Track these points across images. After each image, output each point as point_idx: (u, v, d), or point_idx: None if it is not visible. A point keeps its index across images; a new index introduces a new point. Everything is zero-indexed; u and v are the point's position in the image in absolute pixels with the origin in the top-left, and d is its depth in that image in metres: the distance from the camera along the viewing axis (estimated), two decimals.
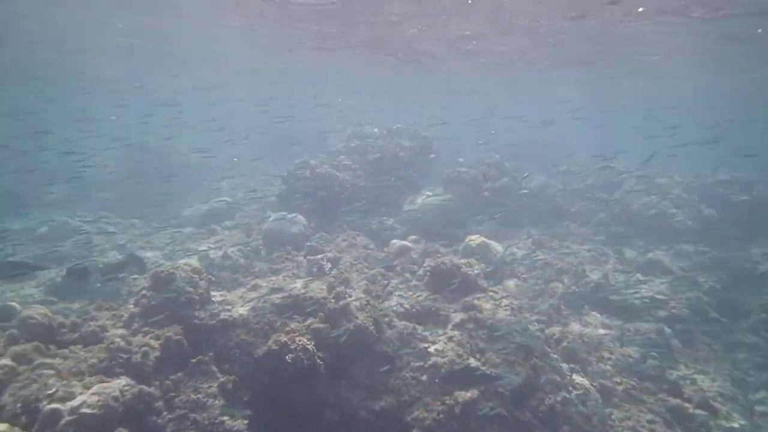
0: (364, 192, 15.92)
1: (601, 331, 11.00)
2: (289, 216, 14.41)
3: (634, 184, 17.21)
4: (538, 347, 9.69)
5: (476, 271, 11.28)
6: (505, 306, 10.68)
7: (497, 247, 12.72)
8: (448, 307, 10.36)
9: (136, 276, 12.51)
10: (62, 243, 14.90)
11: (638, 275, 12.96)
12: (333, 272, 11.21)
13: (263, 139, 30.28)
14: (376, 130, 18.56)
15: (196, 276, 9.46)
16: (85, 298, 12.10)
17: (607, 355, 10.35)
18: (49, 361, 6.52)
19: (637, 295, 11.91)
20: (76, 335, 7.84)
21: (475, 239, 12.22)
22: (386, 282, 11.33)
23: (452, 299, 10.61)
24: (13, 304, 7.79)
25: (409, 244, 12.72)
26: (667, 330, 10.68)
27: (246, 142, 19.59)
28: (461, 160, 18.09)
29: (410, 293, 10.94)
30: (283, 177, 16.43)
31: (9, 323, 7.30)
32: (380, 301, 10.41)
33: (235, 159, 24.93)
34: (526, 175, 16.86)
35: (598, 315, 11.67)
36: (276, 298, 9.73)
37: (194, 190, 23.65)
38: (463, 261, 11.52)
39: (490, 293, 10.95)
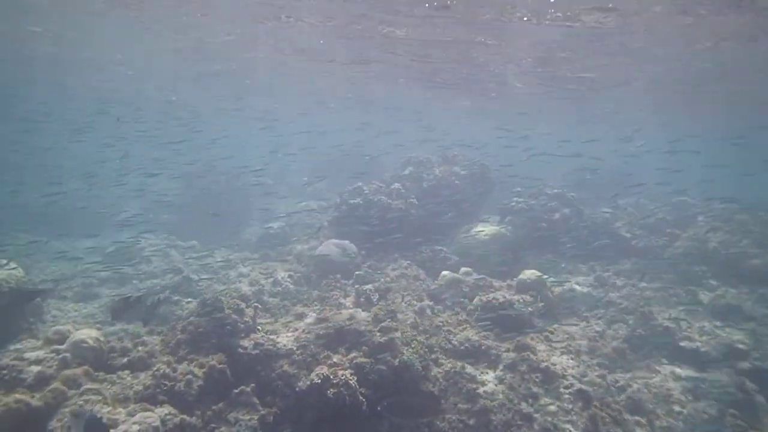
0: (417, 220, 15.69)
1: (671, 381, 10.02)
2: (340, 243, 14.41)
3: (710, 219, 15.90)
4: (597, 395, 8.96)
5: (531, 309, 10.70)
6: (562, 348, 10.01)
7: (555, 282, 12.04)
8: (500, 346, 9.84)
9: (189, 300, 12.87)
10: (126, 263, 15.66)
11: (714, 320, 11.81)
12: (380, 303, 10.97)
13: (331, 164, 30.94)
14: (432, 157, 18.37)
15: (242, 303, 9.54)
16: (141, 319, 12.56)
17: (677, 408, 9.39)
18: (96, 386, 6.68)
19: (713, 342, 10.80)
20: (125, 360, 8.05)
21: (530, 274, 11.63)
22: (435, 316, 10.96)
23: (504, 338, 10.07)
24: (68, 327, 8.12)
25: (461, 277, 12.29)
26: (750, 384, 9.55)
27: (307, 166, 20.11)
28: (519, 189, 17.50)
29: (460, 329, 10.50)
30: (336, 203, 16.54)
31: (62, 346, 7.59)
32: (428, 336, 10.05)
33: (305, 179, 25.34)
34: (614, 195, 16.36)
35: (668, 362, 10.68)
36: (321, 328, 9.61)
37: (256, 213, 24.33)
38: (516, 297, 10.98)
39: (546, 333, 10.31)
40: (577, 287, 13.40)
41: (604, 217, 16.73)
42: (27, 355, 7.33)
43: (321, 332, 9.50)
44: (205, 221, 23.09)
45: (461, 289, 11.83)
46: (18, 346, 7.78)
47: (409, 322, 10.33)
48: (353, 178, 16.56)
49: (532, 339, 9.94)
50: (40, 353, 7.45)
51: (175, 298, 12.65)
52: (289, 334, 9.76)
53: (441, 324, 10.51)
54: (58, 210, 22.37)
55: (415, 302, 11.40)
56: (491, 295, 11.04)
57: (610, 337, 11.47)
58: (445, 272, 12.59)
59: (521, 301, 10.78)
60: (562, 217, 16.10)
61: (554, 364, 9.20)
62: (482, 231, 15.26)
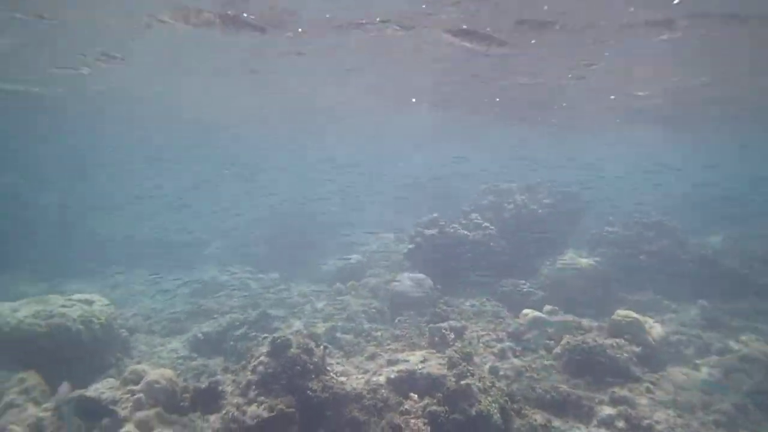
0: (498, 253, 14.95)
1: None
2: (415, 277, 14.01)
3: None
4: None
5: (627, 355, 9.57)
6: (668, 401, 8.77)
7: (656, 324, 10.72)
8: (593, 398, 8.83)
9: (266, 335, 13.00)
10: (211, 297, 16.33)
11: None
12: (456, 344, 10.36)
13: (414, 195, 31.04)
14: (513, 185, 17.58)
15: (312, 343, 9.38)
16: (222, 354, 12.88)
17: None
18: (167, 430, 6.72)
19: None
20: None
21: (626, 314, 10.45)
22: (517, 359, 10.14)
23: (597, 388, 9.05)
24: (144, 366, 8.38)
25: (545, 315, 11.36)
26: None
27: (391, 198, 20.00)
28: (611, 218, 16.16)
29: (545, 375, 9.60)
30: (411, 235, 16.22)
31: (137, 387, 7.80)
32: (509, 382, 9.28)
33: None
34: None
35: None
36: (393, 371, 9.20)
37: (335, 247, 24.63)
38: (610, 341, 9.88)
39: (647, 383, 9.13)
40: (684, 328, 11.88)
41: (713, 247, 14.92)
42: (105, 395, 7.61)
43: (393, 375, 9.09)
44: (287, 253, 23.83)
45: (546, 330, 10.89)
46: (98, 385, 8.11)
47: (487, 367, 9.63)
48: (430, 208, 16.20)
49: (630, 390, 8.84)
50: (117, 394, 7.71)
51: (252, 333, 12.84)
52: (360, 376, 9.44)
53: (523, 369, 9.68)
54: (158, 243, 24.13)
55: (494, 343, 10.66)
56: (581, 338, 10.04)
57: (728, 388, 9.93)
58: (527, 310, 11.72)
59: (616, 345, 9.68)
60: (661, 249, 14.56)
61: (658, 422, 8.06)
62: (570, 264, 14.16)
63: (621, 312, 10.50)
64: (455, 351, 9.54)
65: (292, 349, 9.18)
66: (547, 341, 10.63)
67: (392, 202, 29.94)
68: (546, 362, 9.90)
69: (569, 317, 11.26)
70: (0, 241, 20.58)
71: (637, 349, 9.74)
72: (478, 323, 11.98)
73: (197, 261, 23.18)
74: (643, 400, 8.61)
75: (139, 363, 11.21)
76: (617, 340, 9.85)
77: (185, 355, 12.76)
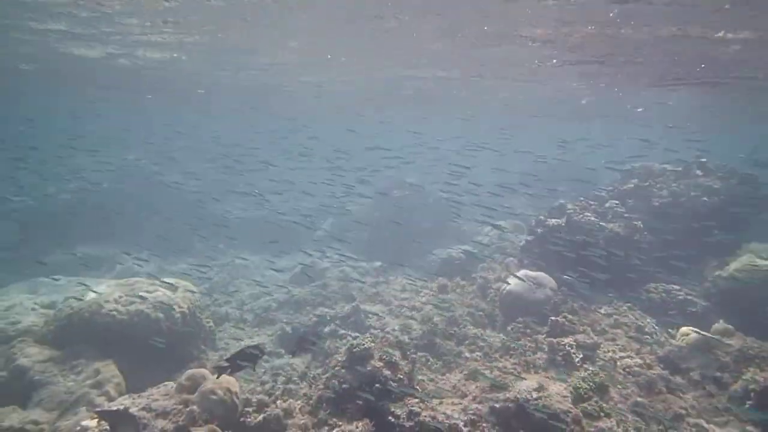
0: (644, 249, 12.05)
1: None
2: (533, 276, 11.75)
3: None
4: None
5: None
6: None
7: None
8: None
9: (357, 335, 11.74)
10: (308, 285, 15.56)
11: None
12: (585, 369, 8.10)
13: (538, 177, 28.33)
14: (667, 167, 14.24)
15: (397, 353, 7.82)
16: (310, 351, 11.90)
17: None
18: None
19: None
20: (260, 418, 6.96)
21: None
22: (672, 395, 7.60)
23: None
24: (203, 371, 7.43)
25: (715, 337, 8.51)
26: None
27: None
28: None
29: (716, 421, 7.02)
30: (530, 226, 13.84)
31: (192, 396, 6.84)
32: (661, 429, 6.87)
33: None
34: None
35: None
36: (498, 398, 7.28)
37: (443, 236, 22.83)
38: None
39: None
40: None
41: None
42: (155, 405, 6.74)
43: (498, 405, 7.17)
44: (392, 240, 22.58)
45: (717, 358, 8.11)
46: (152, 391, 7.31)
47: (630, 404, 7.28)
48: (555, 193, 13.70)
49: None
50: (169, 403, 6.82)
51: (341, 331, 11.67)
52: (456, 401, 7.65)
53: (683, 411, 7.16)
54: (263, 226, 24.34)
55: (639, 370, 8.17)
56: None
57: None
58: (686, 328, 8.95)
59: None
60: None
61: None
62: (749, 266, 10.87)
63: None
64: (584, 379, 7.32)
65: (372, 361, 7.70)
66: (718, 374, 7.89)
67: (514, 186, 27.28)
68: (718, 405, 7.25)
69: (755, 341, 8.32)
70: (122, 216, 21.86)
71: None
72: (616, 340, 9.47)
73: (306, 244, 22.86)
74: None
75: (202, 364, 10.58)
76: None
77: (270, 350, 11.97)
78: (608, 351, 8.92)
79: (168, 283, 11.27)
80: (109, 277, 17.45)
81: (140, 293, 10.48)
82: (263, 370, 11.37)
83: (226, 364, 6.46)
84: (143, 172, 26.60)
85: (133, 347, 9.71)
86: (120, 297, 10.28)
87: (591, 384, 7.11)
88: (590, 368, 8.12)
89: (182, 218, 23.57)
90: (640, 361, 8.30)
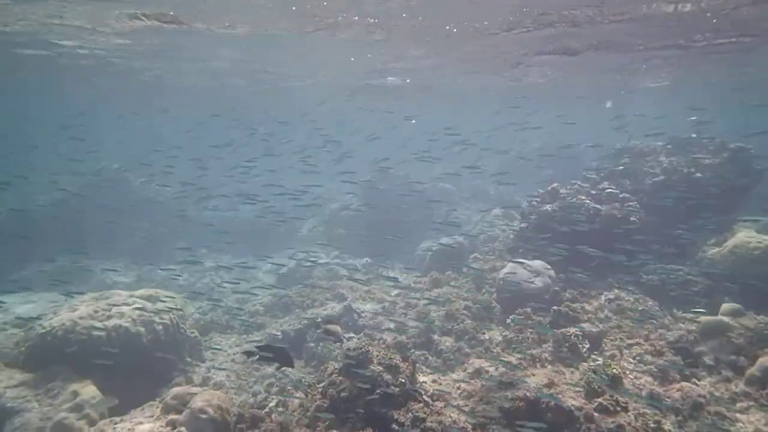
0: (640, 230, 11.77)
1: None
2: (531, 264, 11.41)
3: None
4: None
5: None
6: None
7: None
8: None
9: (351, 336, 11.27)
10: (293, 286, 15.02)
11: None
12: (593, 358, 7.76)
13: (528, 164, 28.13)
14: (658, 144, 13.99)
15: (397, 356, 7.36)
16: (301, 356, 11.41)
17: None
18: None
19: None
20: None
21: None
22: (688, 383, 7.29)
23: None
24: (188, 389, 6.90)
25: (727, 320, 8.23)
26: None
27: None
28: None
29: (737, 408, 6.73)
30: (522, 210, 13.49)
31: (180, 417, 6.30)
32: (680, 418, 6.56)
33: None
34: None
35: None
36: (505, 397, 6.88)
37: (432, 226, 22.37)
38: None
39: None
40: None
41: None
42: (140, 429, 6.18)
43: (506, 404, 6.77)
44: (380, 234, 22.04)
45: (730, 340, 7.83)
46: (137, 413, 6.75)
47: (644, 395, 6.95)
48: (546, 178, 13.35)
49: None
50: (155, 426, 6.27)
51: (333, 333, 11.16)
52: (462, 403, 7.25)
53: (701, 399, 6.85)
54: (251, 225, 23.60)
55: (649, 358, 7.86)
56: None
57: None
58: (698, 309, 8.67)
59: None
60: None
61: None
62: (748, 241, 10.66)
63: None
64: (595, 371, 6.97)
65: (371, 366, 7.23)
66: (733, 357, 7.62)
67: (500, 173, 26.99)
68: (736, 389, 6.96)
69: (764, 320, 8.06)
70: (99, 226, 20.87)
71: None
72: (621, 327, 9.15)
73: (290, 242, 22.24)
74: None
75: (189, 378, 10.02)
76: None
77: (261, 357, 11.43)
78: (615, 339, 8.59)
79: (147, 293, 10.65)
80: (83, 289, 16.65)
81: (117, 307, 9.85)
82: (254, 379, 10.86)
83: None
84: (116, 178, 25.37)
85: (112, 365, 9.10)
86: (95, 312, 9.63)
87: (604, 376, 6.75)
88: (599, 359, 7.78)
89: (160, 223, 22.75)
90: (649, 348, 7.99)
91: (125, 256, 20.48)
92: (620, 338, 8.55)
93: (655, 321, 9.23)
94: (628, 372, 7.38)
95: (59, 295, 12.58)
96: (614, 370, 6.91)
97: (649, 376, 7.44)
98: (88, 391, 8.79)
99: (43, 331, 9.36)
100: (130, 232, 21.68)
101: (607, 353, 8.07)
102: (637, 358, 7.81)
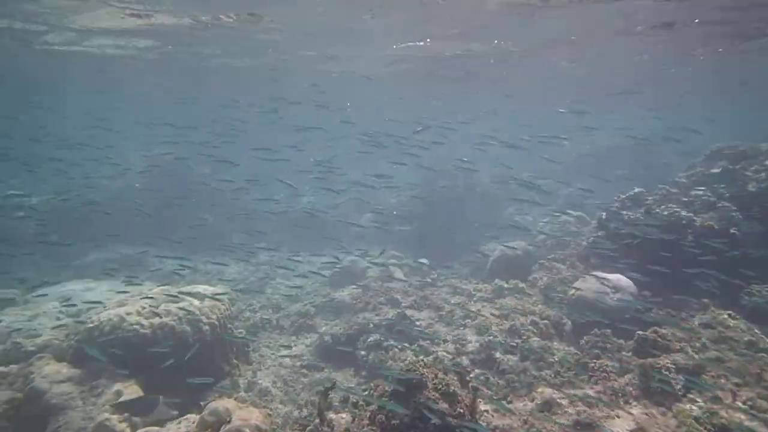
0: (741, 243, 10.21)
1: None
2: (609, 278, 10.14)
3: None
4: None
5: None
6: None
7: None
8: None
9: (406, 345, 10.48)
10: (345, 288, 14.39)
11: None
12: (695, 401, 6.53)
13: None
14: (763, 145, 12.21)
15: (456, 382, 6.46)
16: (352, 364, 10.74)
17: None
18: None
19: None
20: None
21: None
22: None
23: None
24: (227, 404, 6.30)
25: None
26: None
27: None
28: None
29: None
30: (600, 219, 12.13)
31: None
32: None
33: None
34: None
35: None
36: None
37: (498, 228, 21.03)
38: None
39: None
40: None
41: None
42: None
43: None
44: (439, 234, 21.08)
45: None
46: (172, 428, 6.24)
47: None
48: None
49: None
50: None
51: (386, 342, 10.41)
52: None
53: None
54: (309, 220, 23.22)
55: (764, 403, 6.52)
56: None
57: None
58: None
59: None
60: None
61: None
62: None
63: None
64: (699, 421, 5.77)
65: (426, 392, 6.38)
66: None
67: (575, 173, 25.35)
68: None
69: None
70: (149, 214, 20.78)
71: None
72: (721, 359, 7.79)
73: (346, 239, 21.64)
74: None
75: (235, 381, 9.51)
76: None
77: (310, 363, 10.87)
78: (715, 375, 7.28)
79: (195, 291, 10.31)
80: (138, 281, 16.76)
81: (165, 304, 9.54)
82: (301, 386, 10.30)
83: None
84: (171, 167, 25.28)
85: (157, 364, 8.77)
86: (143, 308, 9.35)
87: (709, 428, 5.57)
88: (699, 400, 6.55)
89: (215, 214, 22.75)
90: (765, 392, 6.65)
91: (183, 246, 20.57)
92: (723, 375, 7.22)
93: (765, 354, 7.80)
94: (740, 420, 6.10)
95: (119, 282, 12.57)
96: (722, 420, 5.70)
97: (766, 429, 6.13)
98: (132, 391, 8.52)
99: (92, 325, 9.19)
100: (183, 221, 21.61)
101: (709, 394, 6.79)
102: (749, 402, 6.50)
